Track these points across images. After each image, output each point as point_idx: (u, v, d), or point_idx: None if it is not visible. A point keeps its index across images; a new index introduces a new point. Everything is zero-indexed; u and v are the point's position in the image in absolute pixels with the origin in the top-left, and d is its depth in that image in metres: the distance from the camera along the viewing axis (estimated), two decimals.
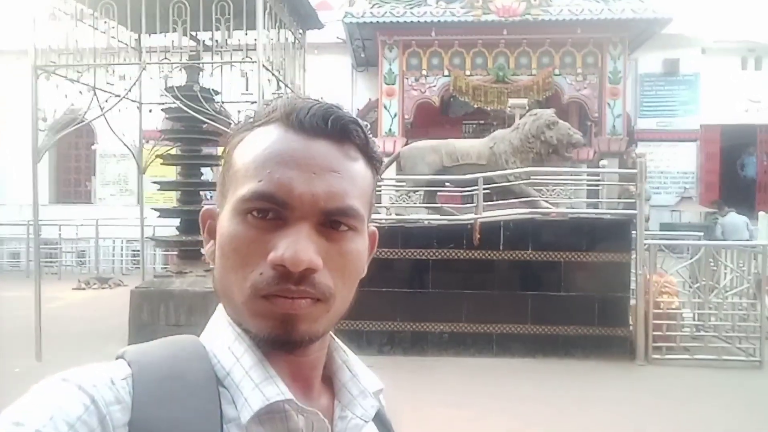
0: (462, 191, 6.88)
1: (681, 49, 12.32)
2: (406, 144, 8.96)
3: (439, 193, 7.00)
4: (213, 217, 0.63)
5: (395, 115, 10.79)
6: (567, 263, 5.93)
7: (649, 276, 5.91)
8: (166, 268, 9.03)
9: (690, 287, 6.39)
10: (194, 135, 6.76)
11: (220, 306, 0.63)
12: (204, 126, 6.63)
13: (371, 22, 10.44)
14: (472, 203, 6.32)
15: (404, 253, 5.94)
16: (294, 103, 0.59)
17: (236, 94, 6.47)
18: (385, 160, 8.16)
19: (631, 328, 6.00)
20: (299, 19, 7.56)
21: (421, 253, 5.97)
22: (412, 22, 10.29)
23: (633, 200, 6.28)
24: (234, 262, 0.57)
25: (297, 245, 0.54)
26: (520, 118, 6.73)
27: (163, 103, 6.95)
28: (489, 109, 11.14)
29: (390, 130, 10.79)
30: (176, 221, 7.00)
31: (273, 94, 6.66)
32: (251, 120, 0.62)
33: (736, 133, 13.36)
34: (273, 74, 6.35)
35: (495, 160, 6.34)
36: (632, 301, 6.05)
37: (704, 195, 12.60)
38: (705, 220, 11.40)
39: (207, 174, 8.48)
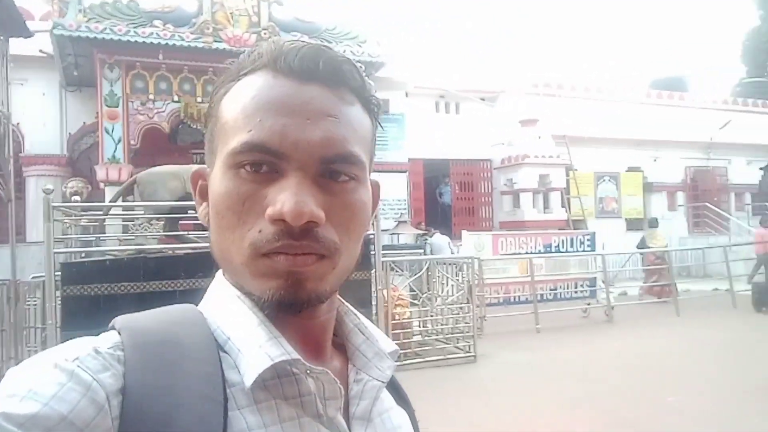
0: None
1: (391, 91, 14.00)
2: (133, 172, 8.29)
3: (181, 221, 6.64)
4: (204, 177, 0.58)
5: (119, 141, 9.84)
6: None
7: (386, 291, 6.54)
8: None
9: (418, 299, 7.26)
10: None
11: (219, 273, 0.59)
12: None
13: (87, 38, 9.43)
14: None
15: (148, 286, 5.46)
16: (281, 47, 0.55)
17: None
18: (118, 187, 7.44)
19: None
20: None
21: (167, 285, 5.56)
22: (136, 42, 9.58)
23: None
24: (230, 221, 0.53)
25: (296, 197, 0.50)
26: None
27: None
28: None
29: (114, 156, 9.79)
30: None
31: None
32: (236, 69, 0.57)
33: (434, 166, 15.68)
34: None
35: None
36: (374, 316, 6.58)
37: (414, 219, 14.42)
38: (417, 241, 13.03)
39: None
